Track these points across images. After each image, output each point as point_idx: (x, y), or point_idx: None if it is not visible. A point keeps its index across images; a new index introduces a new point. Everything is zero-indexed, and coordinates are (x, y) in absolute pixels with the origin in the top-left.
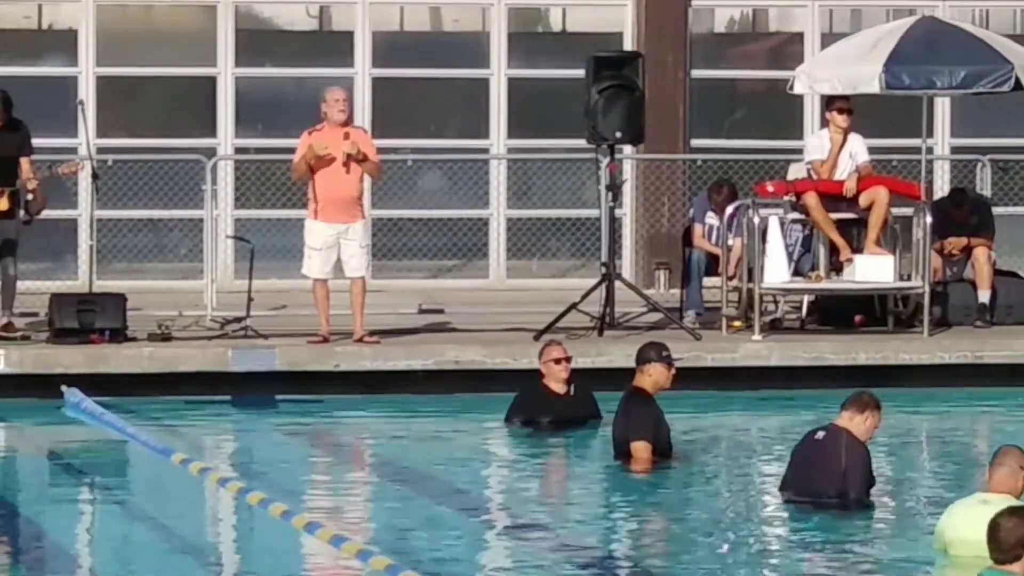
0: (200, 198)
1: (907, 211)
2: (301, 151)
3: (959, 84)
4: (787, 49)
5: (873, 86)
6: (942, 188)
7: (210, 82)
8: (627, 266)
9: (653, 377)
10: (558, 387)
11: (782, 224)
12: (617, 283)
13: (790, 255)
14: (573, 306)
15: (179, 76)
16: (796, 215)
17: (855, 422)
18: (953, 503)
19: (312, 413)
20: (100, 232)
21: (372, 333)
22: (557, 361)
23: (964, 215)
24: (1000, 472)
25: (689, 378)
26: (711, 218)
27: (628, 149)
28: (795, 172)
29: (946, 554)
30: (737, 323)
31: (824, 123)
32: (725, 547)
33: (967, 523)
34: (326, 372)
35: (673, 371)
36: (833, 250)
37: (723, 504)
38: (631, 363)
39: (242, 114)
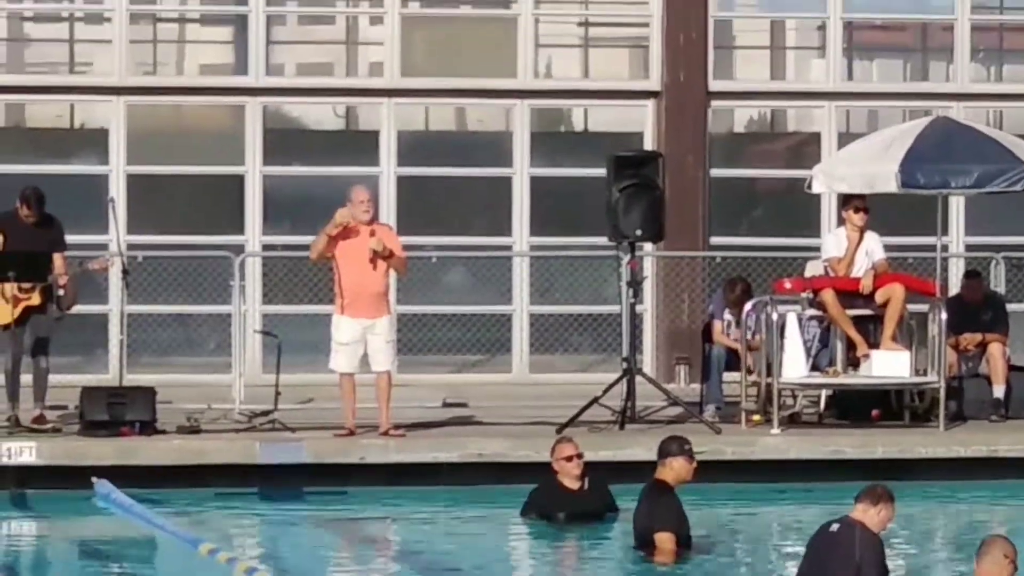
0: (228, 293)
1: (922, 307)
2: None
3: (973, 184)
4: (805, 149)
5: (889, 185)
6: (957, 285)
7: (238, 180)
8: (648, 361)
9: (675, 470)
10: (571, 483)
11: (800, 320)
12: (638, 377)
13: (808, 350)
14: (595, 400)
15: (208, 174)
16: (814, 311)
17: (869, 514)
18: None
19: (338, 505)
20: (130, 327)
21: (398, 426)
22: (568, 459)
23: (979, 298)
24: (985, 562)
25: (709, 471)
26: (729, 314)
27: (649, 246)
28: (812, 269)
29: None
30: (756, 417)
31: (841, 221)
32: None
33: None
34: (352, 464)
35: (694, 464)
36: (850, 346)
37: None
38: (652, 456)
39: (270, 211)
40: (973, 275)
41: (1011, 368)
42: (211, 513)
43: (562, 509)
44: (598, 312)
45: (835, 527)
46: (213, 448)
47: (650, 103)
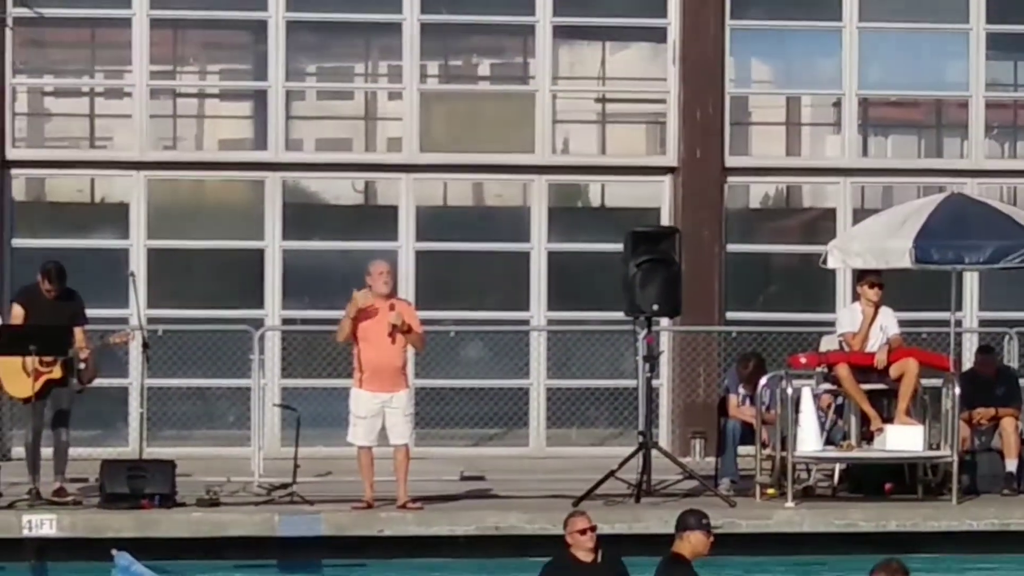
0: (248, 367)
1: (936, 382)
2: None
3: (987, 259)
4: (820, 224)
5: (904, 261)
6: (970, 360)
7: (258, 254)
8: (664, 434)
9: (692, 543)
10: (585, 556)
11: (814, 395)
12: (654, 451)
13: (822, 425)
14: (611, 473)
15: (228, 248)
16: (828, 386)
17: None
18: None
19: None
20: (150, 400)
21: (415, 499)
22: (583, 532)
23: (992, 373)
24: None
25: (724, 544)
26: (743, 389)
27: (665, 321)
28: (827, 344)
29: None
30: (771, 490)
31: (855, 297)
32: None
33: None
34: (371, 537)
35: (712, 538)
36: (864, 420)
37: None
38: (667, 529)
39: (289, 285)
40: (986, 350)
41: None
42: None
43: None
44: (615, 386)
45: None
46: (232, 521)
47: (667, 179)
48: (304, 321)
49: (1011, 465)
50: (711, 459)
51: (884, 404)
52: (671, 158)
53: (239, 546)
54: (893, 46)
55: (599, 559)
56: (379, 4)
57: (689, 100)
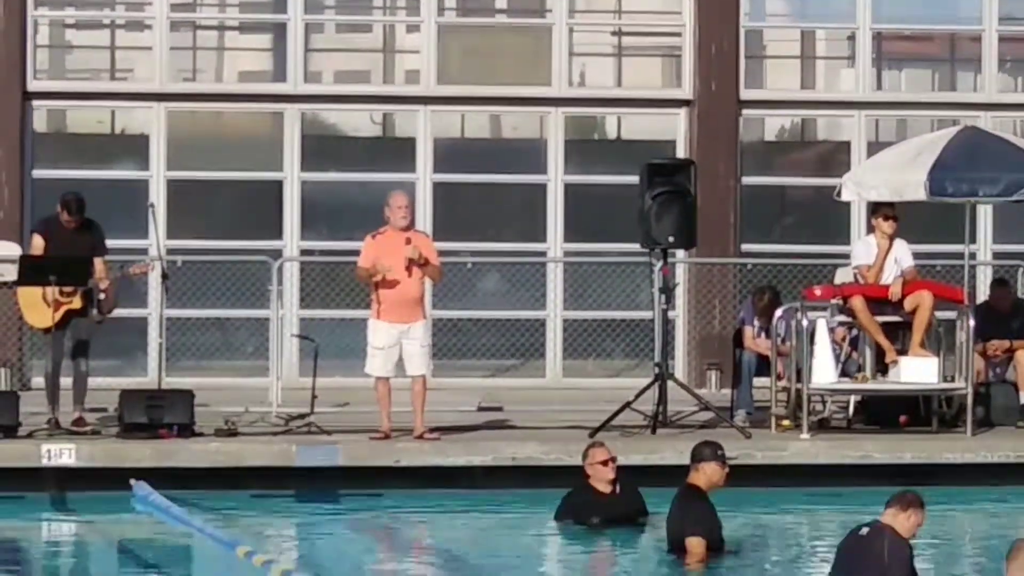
0: (266, 298)
1: (951, 314)
2: (365, 255)
3: (1000, 192)
4: (834, 157)
5: (918, 194)
6: (985, 292)
7: (277, 186)
8: (679, 366)
9: (707, 475)
10: (604, 487)
11: (829, 327)
12: (670, 383)
13: (837, 357)
14: (627, 405)
15: (247, 180)
16: (843, 318)
17: (899, 519)
18: None
19: (373, 507)
20: (169, 330)
21: (432, 430)
22: (604, 463)
23: (1006, 306)
24: (1014, 566)
25: (739, 475)
26: (758, 321)
27: (680, 253)
28: (842, 276)
29: None
30: (786, 422)
31: (870, 229)
32: None
33: None
34: (388, 468)
35: (727, 470)
36: (879, 352)
37: None
38: (683, 460)
39: (307, 217)
40: (1001, 283)
41: None
42: (248, 515)
43: (596, 513)
44: (630, 318)
45: (865, 531)
46: (250, 451)
47: (682, 111)
48: (322, 252)
49: None
50: (726, 391)
51: (899, 336)
52: (687, 91)
53: (257, 476)
54: None
55: (618, 490)
56: None
57: (704, 33)
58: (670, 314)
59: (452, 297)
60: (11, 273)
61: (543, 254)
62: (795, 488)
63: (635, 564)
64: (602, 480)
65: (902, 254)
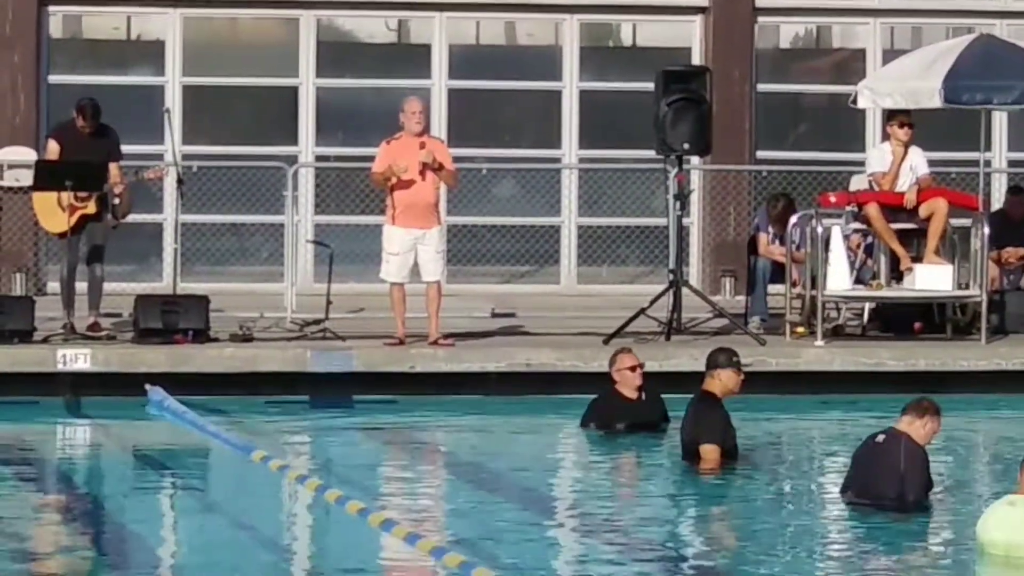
0: (281, 204)
1: (965, 222)
2: (380, 160)
3: (1015, 100)
4: (850, 65)
5: (933, 101)
6: (999, 200)
7: (292, 92)
8: (694, 273)
9: (723, 382)
10: (630, 393)
11: (844, 234)
12: (684, 289)
13: (851, 264)
14: (641, 311)
15: (262, 86)
16: (858, 225)
17: (915, 426)
18: (988, 506)
19: (387, 413)
20: (184, 236)
21: (447, 336)
22: (633, 368)
23: (1021, 213)
24: None
25: (753, 382)
26: (772, 229)
27: (696, 160)
28: (857, 184)
29: (984, 555)
30: (800, 329)
31: (885, 137)
32: (787, 547)
33: (996, 525)
34: (401, 373)
35: (742, 377)
36: (893, 259)
37: (786, 505)
38: (697, 367)
39: (323, 123)
40: (1016, 190)
41: None
42: (262, 421)
43: (621, 419)
44: (645, 225)
45: (881, 438)
46: (265, 356)
47: (698, 19)
48: (337, 158)
49: None
50: (741, 298)
51: (913, 244)
52: None
53: (271, 381)
54: None
55: (643, 397)
56: None
57: None
58: (685, 221)
59: (467, 203)
60: (27, 178)
61: (558, 161)
62: (809, 395)
63: (649, 471)
64: (629, 386)
65: (917, 161)
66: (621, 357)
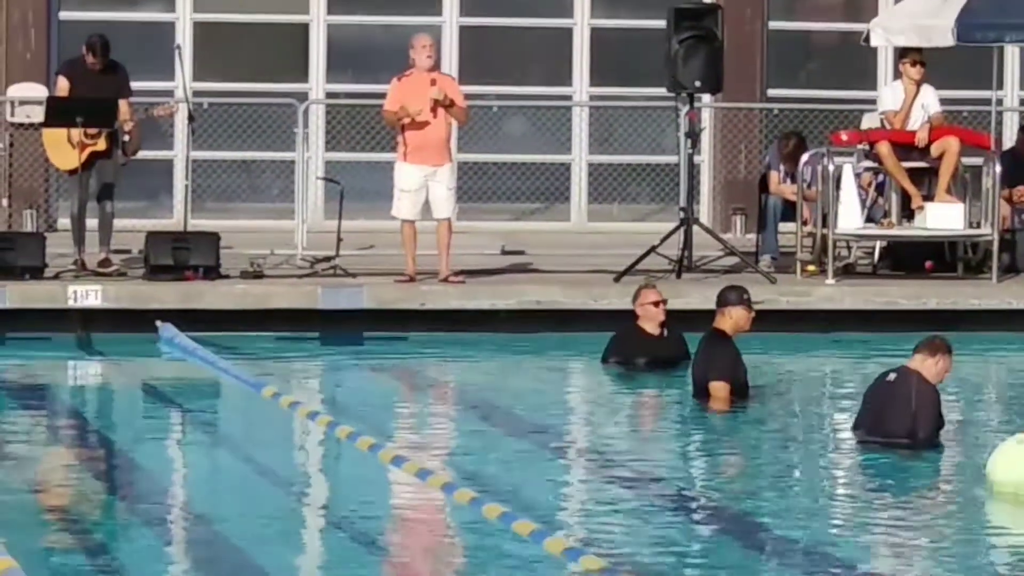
0: (292, 141)
1: (977, 160)
2: (391, 97)
3: None
4: (861, 2)
5: (946, 39)
6: (1011, 139)
7: (303, 29)
8: (705, 211)
9: (733, 319)
10: (653, 328)
11: (855, 173)
12: (695, 227)
13: (863, 202)
14: (652, 249)
15: (273, 23)
16: (869, 163)
17: (926, 365)
18: (998, 445)
19: (398, 350)
20: (195, 173)
21: (457, 273)
22: (656, 304)
23: None
24: None
25: (764, 320)
26: (783, 167)
27: (707, 98)
28: (869, 122)
29: (994, 493)
30: (811, 267)
31: (897, 74)
32: (797, 484)
33: (1005, 464)
34: (412, 310)
35: (752, 314)
36: (905, 198)
37: (797, 442)
38: (708, 305)
39: (333, 60)
40: None
41: None
42: (273, 357)
43: (642, 355)
44: (656, 162)
45: (892, 377)
46: (275, 293)
47: None
48: (348, 95)
49: None
50: (752, 236)
51: (925, 182)
52: None
53: (282, 318)
54: None
55: (664, 333)
56: None
57: None
58: (696, 159)
59: (477, 141)
60: (37, 115)
61: (568, 98)
62: (820, 334)
63: (660, 407)
64: (652, 321)
65: (929, 100)
66: (645, 292)
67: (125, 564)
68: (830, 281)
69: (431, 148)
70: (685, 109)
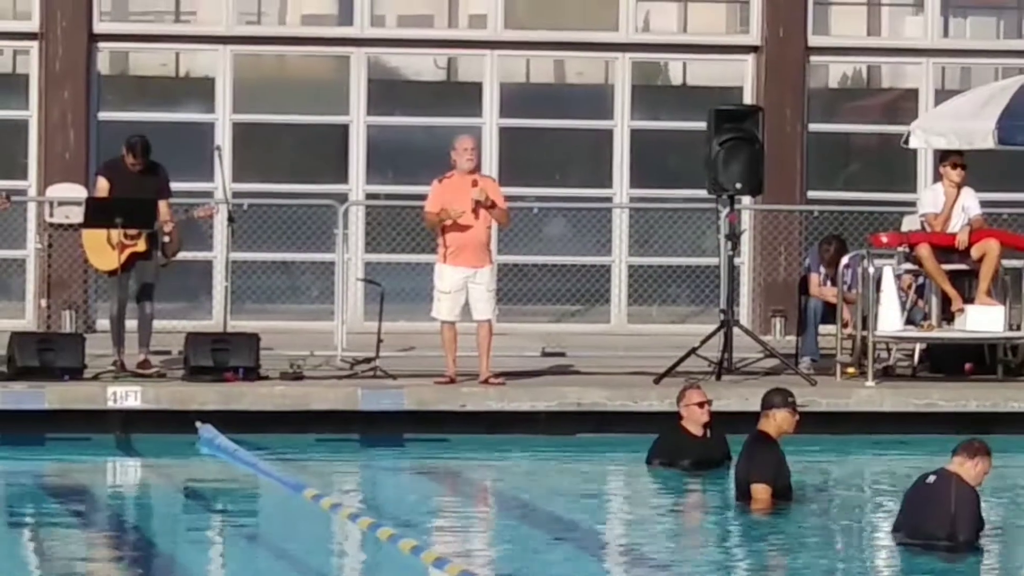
0: (332, 242)
1: (1017, 263)
2: (432, 199)
3: None
4: (900, 104)
5: (987, 142)
6: None
7: (342, 130)
8: (745, 313)
9: (777, 422)
10: (696, 429)
11: (895, 275)
12: (735, 329)
13: (903, 304)
14: (692, 351)
15: (312, 124)
16: (909, 266)
17: (966, 467)
18: None
19: (438, 452)
20: (234, 273)
21: (497, 375)
22: (701, 405)
23: None
24: None
25: (804, 422)
26: (824, 270)
27: (747, 200)
28: (909, 224)
29: None
30: (851, 370)
31: (938, 177)
32: None
33: None
34: (452, 412)
35: (797, 417)
36: (945, 300)
37: (837, 545)
38: (747, 407)
39: (373, 161)
40: None
41: None
42: (313, 459)
43: (687, 456)
44: (696, 264)
45: (932, 479)
46: (315, 394)
47: (749, 57)
48: (388, 196)
49: None
50: (791, 338)
51: (965, 285)
52: (754, 37)
53: (322, 420)
54: None
55: (708, 434)
56: None
57: None
58: (736, 260)
59: (517, 242)
60: (76, 215)
61: (609, 200)
62: (860, 435)
63: (702, 510)
64: (696, 422)
65: (969, 202)
66: (689, 393)
67: None
68: (870, 383)
69: (471, 250)
70: (726, 211)
